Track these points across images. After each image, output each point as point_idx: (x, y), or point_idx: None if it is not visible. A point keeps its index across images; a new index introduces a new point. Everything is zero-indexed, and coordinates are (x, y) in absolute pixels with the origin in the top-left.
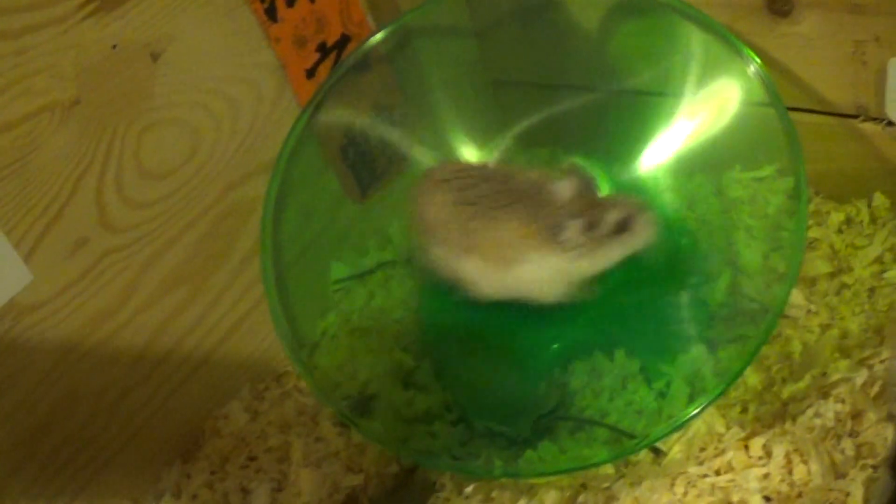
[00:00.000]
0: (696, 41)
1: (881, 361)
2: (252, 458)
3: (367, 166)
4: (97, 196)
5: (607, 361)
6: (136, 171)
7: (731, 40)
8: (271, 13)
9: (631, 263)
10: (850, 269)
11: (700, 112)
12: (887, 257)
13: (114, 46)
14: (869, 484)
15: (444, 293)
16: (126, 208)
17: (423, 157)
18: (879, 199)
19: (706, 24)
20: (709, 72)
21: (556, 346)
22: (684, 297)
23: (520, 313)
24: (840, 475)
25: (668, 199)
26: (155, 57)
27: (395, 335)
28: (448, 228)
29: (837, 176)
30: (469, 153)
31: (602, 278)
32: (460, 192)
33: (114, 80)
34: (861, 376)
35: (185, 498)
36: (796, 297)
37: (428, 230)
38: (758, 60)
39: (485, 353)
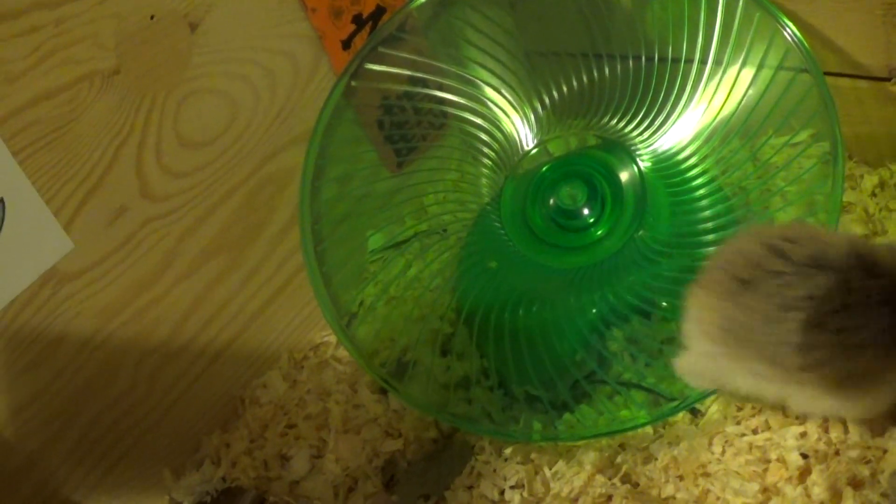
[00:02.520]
0: (730, 7)
1: None
2: (291, 426)
3: (403, 136)
4: (136, 165)
5: (645, 326)
6: (175, 140)
7: (765, 5)
8: None
9: (667, 229)
10: (885, 232)
11: (735, 78)
12: None
13: (152, 16)
14: None
15: (485, 260)
16: (165, 177)
17: (460, 126)
18: None
19: None
20: (744, 38)
21: (594, 311)
22: None
23: (558, 280)
24: (877, 432)
25: (710, 168)
26: (193, 27)
27: (432, 304)
28: (762, 342)
29: (870, 139)
30: (506, 122)
31: (641, 245)
32: (777, 297)
33: (153, 50)
34: None
35: (225, 465)
36: None
37: (728, 339)
38: (791, 25)
39: (524, 320)
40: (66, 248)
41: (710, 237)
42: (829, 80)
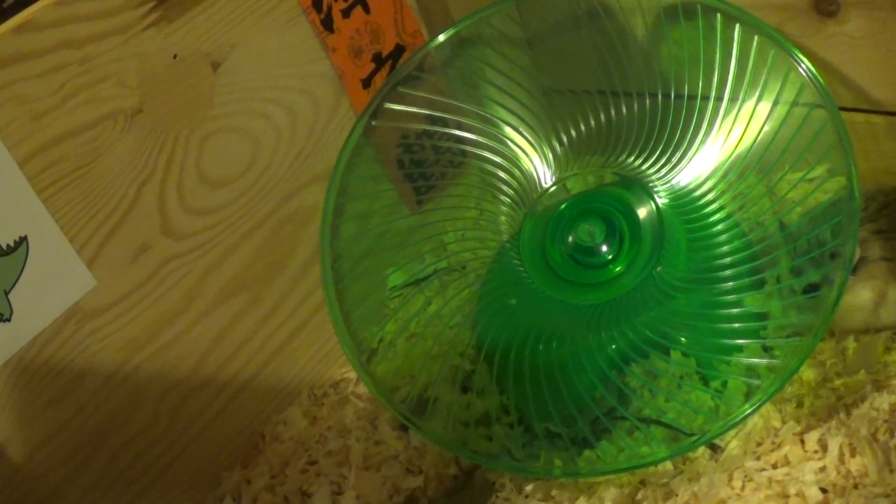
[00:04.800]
0: (745, 43)
1: None
2: (312, 462)
3: (422, 174)
4: (159, 203)
5: (664, 362)
6: (197, 178)
7: (780, 42)
8: (328, 24)
9: (685, 265)
10: None
11: (751, 114)
12: None
13: (175, 56)
14: None
15: (505, 297)
16: (187, 215)
17: (479, 164)
18: None
19: (755, 26)
20: (760, 74)
21: (613, 346)
22: (741, 298)
23: (577, 316)
24: (895, 467)
25: (728, 204)
26: (215, 66)
27: (452, 340)
28: None
29: (887, 174)
30: (525, 160)
31: (659, 281)
32: None
33: (175, 89)
34: None
35: (246, 501)
36: None
37: None
38: (806, 61)
39: (544, 357)
40: (89, 285)
41: (728, 273)
42: (844, 115)
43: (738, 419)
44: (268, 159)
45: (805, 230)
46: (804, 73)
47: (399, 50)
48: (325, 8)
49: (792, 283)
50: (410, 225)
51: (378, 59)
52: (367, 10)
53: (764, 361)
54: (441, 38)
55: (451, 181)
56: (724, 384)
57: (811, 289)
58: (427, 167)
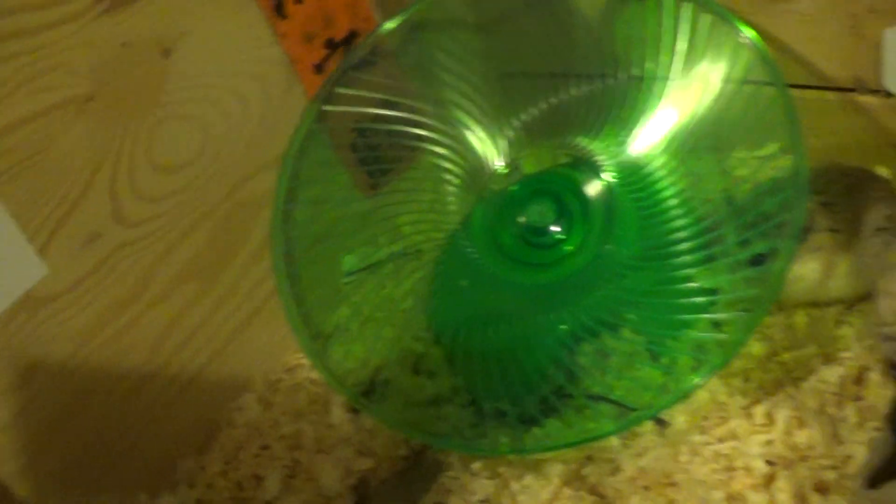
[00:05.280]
0: (695, 22)
1: None
2: (265, 447)
3: (376, 159)
4: (110, 190)
5: (614, 340)
6: (149, 165)
7: (729, 19)
8: (279, 9)
9: (636, 243)
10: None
11: (703, 93)
12: None
13: (125, 44)
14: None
15: (456, 279)
16: (139, 202)
17: (432, 148)
18: (882, 172)
19: (705, 4)
20: (710, 53)
21: (563, 326)
22: (692, 274)
23: (529, 296)
24: (843, 438)
25: (678, 181)
26: (166, 53)
27: (406, 324)
28: None
29: (839, 150)
30: (477, 144)
31: (609, 260)
32: None
33: (126, 77)
34: (866, 340)
35: (200, 487)
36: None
37: None
38: (756, 39)
39: (494, 337)
40: (40, 274)
41: (678, 248)
42: (796, 92)
43: (682, 393)
44: (219, 146)
45: (752, 204)
46: (754, 51)
47: (352, 35)
48: None
49: (740, 256)
50: (365, 209)
51: (331, 45)
52: None
53: (713, 336)
54: (393, 22)
55: (405, 165)
56: (674, 360)
57: (759, 260)
58: (381, 151)
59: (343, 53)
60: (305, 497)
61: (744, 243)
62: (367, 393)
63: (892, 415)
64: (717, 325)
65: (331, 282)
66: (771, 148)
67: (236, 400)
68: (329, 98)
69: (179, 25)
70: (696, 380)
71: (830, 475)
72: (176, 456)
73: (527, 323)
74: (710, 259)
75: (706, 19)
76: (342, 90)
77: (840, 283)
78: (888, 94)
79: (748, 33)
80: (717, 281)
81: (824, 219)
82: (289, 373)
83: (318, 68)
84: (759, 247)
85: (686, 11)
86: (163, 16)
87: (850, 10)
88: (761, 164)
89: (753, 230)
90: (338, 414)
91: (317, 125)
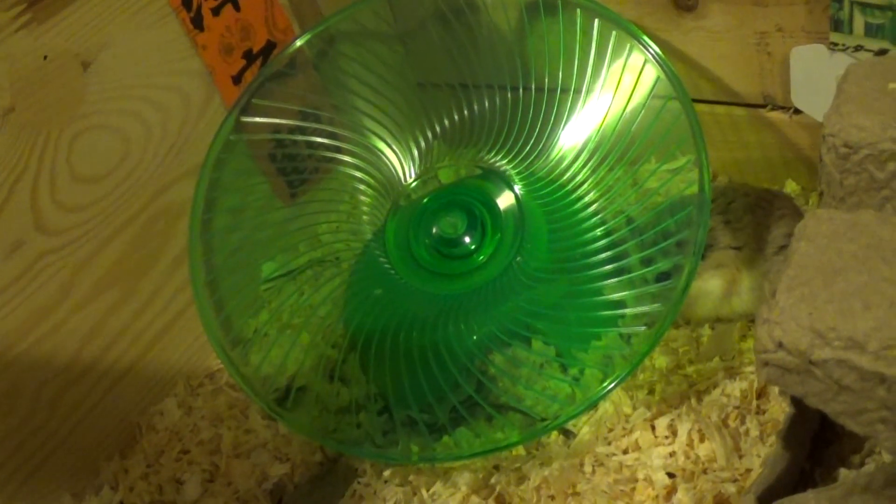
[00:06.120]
0: (603, 37)
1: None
2: (185, 451)
3: (295, 168)
4: (32, 200)
5: (525, 350)
6: (69, 175)
7: (636, 35)
8: (197, 22)
9: (546, 255)
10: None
11: (613, 107)
12: None
13: (45, 56)
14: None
15: (371, 287)
16: (60, 212)
17: (349, 158)
18: (791, 186)
19: (613, 21)
20: (617, 67)
21: (474, 337)
22: (600, 287)
23: (440, 306)
24: (744, 452)
25: (588, 194)
26: (86, 66)
27: (323, 330)
28: None
29: (749, 164)
30: (390, 155)
31: (519, 271)
32: None
33: (46, 89)
34: None
35: (123, 490)
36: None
37: None
38: (661, 54)
39: (406, 345)
40: None
41: (589, 261)
42: (706, 107)
43: (587, 403)
44: (139, 155)
45: (651, 224)
46: (659, 66)
47: (270, 46)
48: (194, 7)
49: (644, 272)
50: (284, 217)
51: (249, 56)
52: (237, 7)
53: (620, 350)
54: (310, 34)
55: (324, 175)
56: (582, 372)
57: (663, 277)
58: (299, 161)
59: (261, 64)
60: (223, 500)
61: (646, 260)
62: (283, 399)
63: (787, 431)
64: (625, 338)
65: (251, 288)
66: (681, 161)
67: (158, 404)
68: (246, 109)
69: (99, 39)
70: (599, 390)
71: (731, 488)
72: (100, 459)
73: (438, 332)
74: (618, 273)
75: (614, 35)
76: (259, 101)
77: (744, 298)
78: (796, 111)
79: (654, 48)
80: (623, 295)
81: (726, 236)
82: (210, 377)
83: (236, 79)
84: (662, 265)
85: (595, 27)
86: (82, 29)
87: (758, 28)
88: (671, 176)
89: (654, 248)
90: (255, 419)
91: (235, 135)
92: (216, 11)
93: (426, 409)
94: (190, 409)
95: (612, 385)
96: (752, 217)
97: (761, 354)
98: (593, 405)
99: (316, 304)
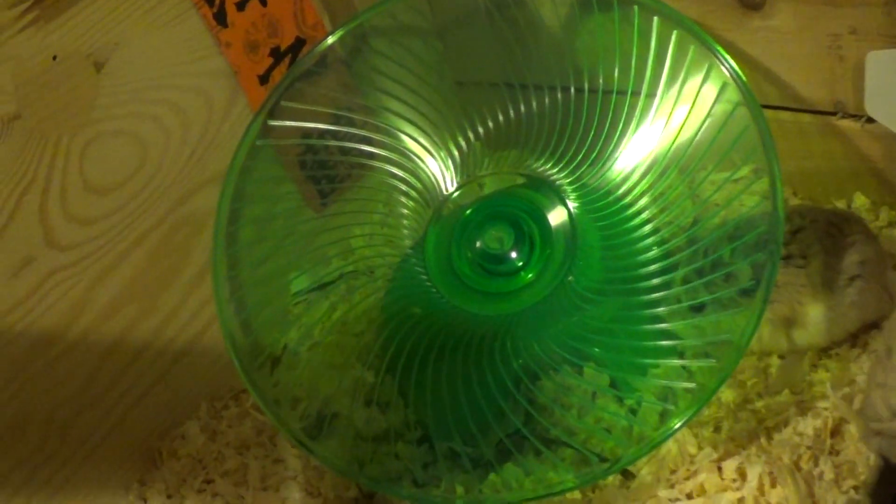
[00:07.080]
0: (663, 37)
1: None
2: (208, 481)
3: (326, 175)
4: (41, 213)
5: (575, 377)
6: (81, 185)
7: (701, 36)
8: (220, 18)
9: (601, 274)
10: None
11: (671, 111)
12: None
13: (54, 57)
14: None
15: (409, 306)
16: (71, 225)
17: (384, 165)
18: (860, 200)
19: (674, 19)
20: (679, 69)
21: (519, 361)
22: (656, 309)
23: (484, 327)
24: (818, 498)
25: (647, 209)
26: (98, 67)
27: (358, 350)
28: None
29: (815, 176)
30: (428, 159)
31: (570, 291)
32: None
33: (55, 92)
34: (842, 388)
35: None
36: None
37: None
38: (728, 57)
39: (449, 369)
40: None
41: (645, 284)
42: (773, 114)
43: (652, 445)
44: (157, 163)
45: (714, 245)
46: (726, 70)
47: (299, 43)
48: (217, 1)
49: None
50: (315, 227)
51: (276, 54)
52: (263, 2)
53: (682, 383)
54: (342, 30)
55: (357, 181)
56: (639, 404)
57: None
58: (331, 167)
59: (290, 62)
60: None
61: (709, 285)
62: (314, 427)
63: (874, 487)
64: (686, 368)
65: (279, 304)
66: (746, 171)
67: (179, 427)
68: (274, 111)
69: (112, 37)
70: (665, 432)
71: None
72: (118, 486)
73: (482, 356)
74: (678, 298)
75: (675, 34)
76: (288, 103)
77: (810, 331)
78: (869, 120)
79: (719, 51)
80: (683, 323)
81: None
82: (235, 399)
83: (263, 79)
84: (726, 292)
85: (654, 26)
86: (94, 27)
87: (830, 30)
88: (737, 188)
89: (717, 272)
90: (285, 448)
91: (262, 140)
92: (241, 6)
93: (469, 440)
94: (214, 434)
95: (680, 424)
96: (820, 246)
97: (873, 423)
98: (657, 445)
99: (349, 320)
